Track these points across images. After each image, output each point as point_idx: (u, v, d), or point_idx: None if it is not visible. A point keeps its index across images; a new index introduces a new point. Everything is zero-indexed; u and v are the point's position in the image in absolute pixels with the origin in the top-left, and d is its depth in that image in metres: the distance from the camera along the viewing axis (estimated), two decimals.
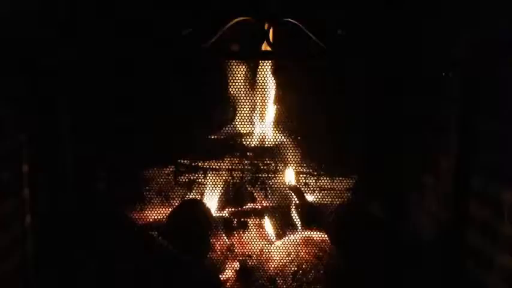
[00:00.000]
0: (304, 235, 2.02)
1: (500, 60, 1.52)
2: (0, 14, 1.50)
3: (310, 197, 2.07)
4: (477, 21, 1.62)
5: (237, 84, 1.97)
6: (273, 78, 2.03)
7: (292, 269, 1.90)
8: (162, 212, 2.01)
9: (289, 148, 2.02)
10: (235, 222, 2.02)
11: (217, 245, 1.96)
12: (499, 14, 1.52)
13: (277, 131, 2.06)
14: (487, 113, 1.60)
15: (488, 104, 1.59)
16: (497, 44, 1.52)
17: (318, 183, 2.08)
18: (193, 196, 2.06)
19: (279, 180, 2.05)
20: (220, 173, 2.06)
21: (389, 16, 1.86)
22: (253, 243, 1.97)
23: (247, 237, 1.98)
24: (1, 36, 1.51)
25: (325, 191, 2.06)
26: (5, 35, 1.53)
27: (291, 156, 2.02)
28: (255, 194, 2.07)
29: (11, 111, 1.62)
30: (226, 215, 2.06)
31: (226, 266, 1.92)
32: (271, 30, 1.82)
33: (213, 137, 2.08)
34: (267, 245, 1.98)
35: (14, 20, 1.56)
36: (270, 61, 1.98)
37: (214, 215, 2.02)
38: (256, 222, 2.04)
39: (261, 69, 2.01)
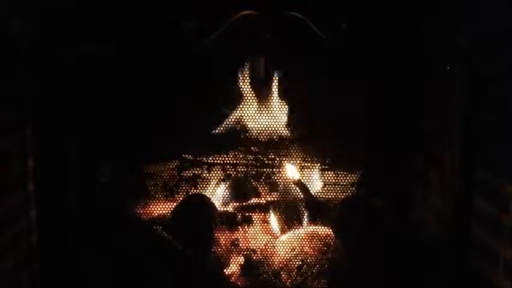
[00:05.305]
0: (308, 230, 2.02)
1: (501, 51, 1.51)
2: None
3: (314, 192, 2.07)
4: (479, 12, 1.61)
5: (241, 78, 1.97)
6: (277, 72, 2.02)
7: (297, 263, 1.90)
8: (166, 206, 2.01)
9: (293, 143, 2.02)
10: (239, 216, 2.02)
11: (222, 240, 1.96)
12: (499, 5, 1.51)
13: (281, 126, 2.05)
14: (490, 107, 1.59)
15: (492, 98, 1.59)
16: (498, 34, 1.51)
17: (323, 178, 2.07)
18: (198, 191, 2.06)
19: (283, 175, 2.05)
20: (225, 167, 2.06)
21: (391, 10, 1.85)
22: (257, 237, 1.98)
23: (251, 232, 1.99)
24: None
25: (330, 186, 2.06)
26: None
27: (295, 151, 2.02)
28: (260, 188, 2.07)
29: (16, 107, 1.63)
30: (231, 209, 2.06)
31: (231, 260, 1.92)
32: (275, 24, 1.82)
33: (217, 131, 2.08)
34: (271, 240, 1.98)
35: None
36: (274, 55, 1.97)
37: (218, 209, 2.02)
38: (261, 216, 2.04)
39: (265, 64, 2.00)
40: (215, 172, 2.06)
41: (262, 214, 2.04)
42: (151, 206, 2.03)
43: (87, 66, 1.83)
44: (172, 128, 2.00)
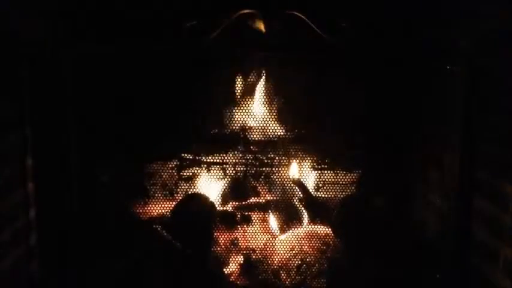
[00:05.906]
0: (308, 229, 2.02)
1: (501, 51, 1.51)
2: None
3: (313, 191, 2.07)
4: (479, 13, 1.61)
5: (240, 78, 1.97)
6: (276, 71, 2.02)
7: (296, 262, 1.91)
8: (165, 206, 2.01)
9: (292, 142, 2.02)
10: (238, 216, 2.02)
11: (221, 239, 1.96)
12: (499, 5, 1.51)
13: (280, 125, 2.05)
14: (490, 106, 1.59)
15: (492, 97, 1.58)
16: (498, 34, 1.51)
17: (322, 177, 2.07)
18: (197, 190, 2.06)
19: (282, 174, 2.05)
20: (224, 167, 2.06)
21: (391, 10, 1.84)
22: (257, 237, 1.98)
23: (251, 231, 1.99)
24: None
25: (329, 185, 2.06)
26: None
27: (294, 150, 2.02)
28: (259, 188, 2.07)
29: (16, 106, 1.63)
30: (230, 209, 2.06)
31: (230, 260, 1.92)
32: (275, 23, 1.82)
33: (216, 131, 2.08)
34: (270, 239, 1.98)
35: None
36: (273, 54, 1.97)
37: (217, 209, 2.02)
38: (260, 216, 2.04)
39: (265, 63, 2.00)
40: (215, 172, 2.06)
41: (262, 213, 2.04)
42: (151, 206, 2.03)
43: (87, 66, 1.83)
44: (172, 128, 2.00)
